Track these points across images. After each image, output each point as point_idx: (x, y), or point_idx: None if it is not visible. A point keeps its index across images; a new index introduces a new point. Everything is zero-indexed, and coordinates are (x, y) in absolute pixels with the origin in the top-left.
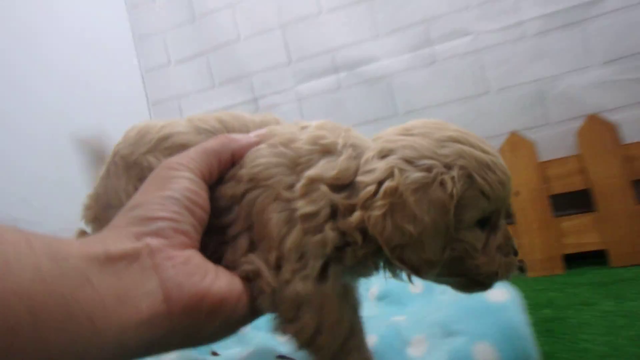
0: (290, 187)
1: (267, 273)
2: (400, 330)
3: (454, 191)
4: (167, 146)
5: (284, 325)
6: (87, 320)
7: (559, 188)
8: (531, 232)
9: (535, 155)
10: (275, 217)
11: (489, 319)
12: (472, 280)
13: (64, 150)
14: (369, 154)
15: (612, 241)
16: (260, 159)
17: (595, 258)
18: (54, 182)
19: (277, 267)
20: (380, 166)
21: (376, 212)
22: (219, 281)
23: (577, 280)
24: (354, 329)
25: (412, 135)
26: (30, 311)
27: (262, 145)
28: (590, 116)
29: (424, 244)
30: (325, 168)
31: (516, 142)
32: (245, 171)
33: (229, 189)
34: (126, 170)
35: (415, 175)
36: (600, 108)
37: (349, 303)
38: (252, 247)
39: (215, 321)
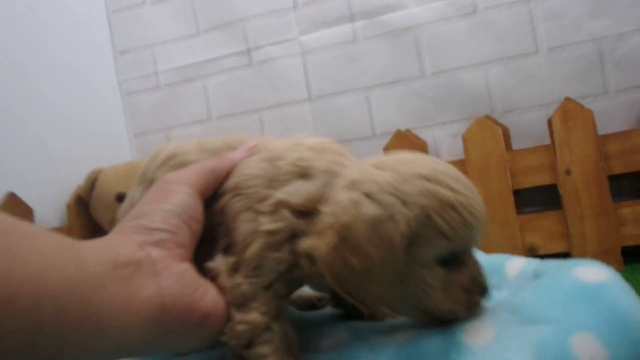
0: (263, 200)
1: (224, 275)
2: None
3: (405, 230)
4: (173, 164)
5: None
6: (97, 321)
7: (619, 168)
8: (584, 219)
9: (593, 127)
10: (244, 226)
11: (587, 303)
12: (433, 316)
13: None
14: (340, 184)
15: None
16: (245, 170)
17: None
18: None
19: (235, 270)
20: (342, 198)
21: (324, 244)
22: (207, 296)
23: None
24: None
25: (383, 168)
26: (55, 311)
27: (252, 158)
28: None
29: (370, 278)
30: (293, 192)
31: (570, 111)
32: (231, 181)
33: (220, 202)
34: (142, 183)
35: (370, 211)
36: None
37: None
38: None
39: (201, 333)
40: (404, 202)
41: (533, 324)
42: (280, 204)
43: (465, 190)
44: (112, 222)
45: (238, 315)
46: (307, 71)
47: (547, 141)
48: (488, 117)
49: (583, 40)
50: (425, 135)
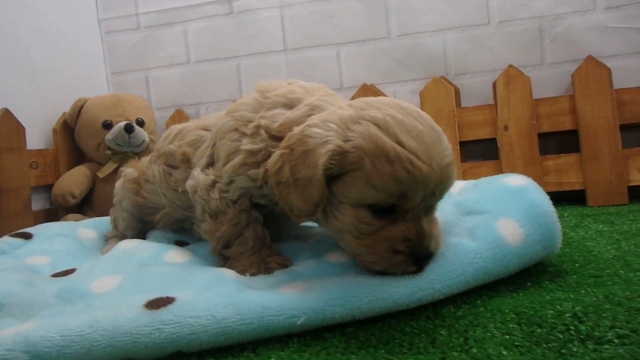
0: (248, 123)
1: (202, 190)
2: None
3: (326, 160)
4: (180, 137)
5: (201, 223)
6: None
7: (547, 127)
8: (515, 168)
9: (530, 91)
10: (227, 144)
11: (511, 198)
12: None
13: None
14: (317, 115)
15: (591, 181)
16: (240, 99)
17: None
18: None
19: (212, 186)
20: (308, 123)
21: (276, 153)
22: None
23: (560, 213)
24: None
25: (353, 107)
26: None
27: (250, 92)
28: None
29: (297, 191)
30: (272, 118)
31: (512, 76)
32: (229, 107)
33: (217, 124)
34: (160, 158)
35: (312, 137)
36: (597, 53)
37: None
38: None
39: None
40: (344, 138)
41: (470, 215)
42: (260, 128)
43: (415, 146)
44: (98, 147)
45: (214, 225)
46: (284, 24)
47: (491, 102)
48: (443, 78)
49: (528, 17)
50: (387, 90)
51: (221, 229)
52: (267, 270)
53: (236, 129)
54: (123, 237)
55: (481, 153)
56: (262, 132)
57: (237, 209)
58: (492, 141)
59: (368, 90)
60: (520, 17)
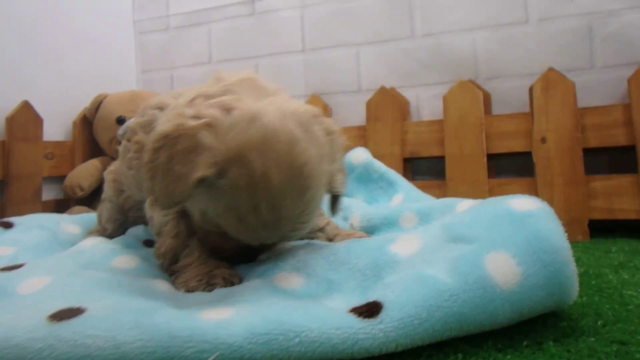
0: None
1: (148, 210)
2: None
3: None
4: (140, 113)
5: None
6: None
7: (596, 141)
8: (554, 187)
9: (573, 98)
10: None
11: (511, 226)
12: None
13: None
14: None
15: None
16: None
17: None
18: None
19: (153, 204)
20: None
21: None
22: None
23: (606, 247)
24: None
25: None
26: None
27: None
28: None
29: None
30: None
31: (552, 81)
32: None
33: None
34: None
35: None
36: None
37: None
38: None
39: None
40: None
41: (455, 242)
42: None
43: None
44: (111, 142)
45: (159, 241)
46: (304, 24)
47: (527, 109)
48: (472, 82)
49: (574, 13)
50: (409, 94)
51: (165, 244)
52: (209, 286)
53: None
54: (103, 231)
55: (513, 168)
56: None
57: (174, 217)
58: (527, 155)
59: (386, 93)
60: (565, 14)
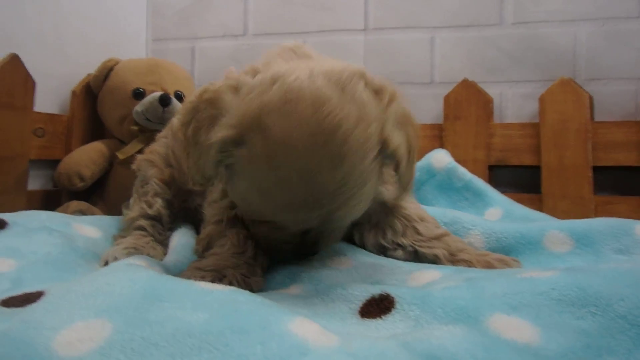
0: None
1: (207, 205)
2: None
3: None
4: None
5: None
6: None
7: None
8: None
9: None
10: None
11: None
12: None
13: None
14: None
15: None
16: None
17: None
18: None
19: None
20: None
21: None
22: None
23: None
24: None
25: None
26: None
27: None
28: None
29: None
30: None
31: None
32: None
33: None
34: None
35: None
36: None
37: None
38: None
39: None
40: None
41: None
42: None
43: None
44: (123, 120)
45: (203, 230)
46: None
47: (637, 118)
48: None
49: None
50: (492, 91)
51: (205, 230)
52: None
53: None
54: (149, 207)
55: (622, 185)
56: None
57: (224, 205)
58: (634, 170)
59: (470, 87)
60: None
